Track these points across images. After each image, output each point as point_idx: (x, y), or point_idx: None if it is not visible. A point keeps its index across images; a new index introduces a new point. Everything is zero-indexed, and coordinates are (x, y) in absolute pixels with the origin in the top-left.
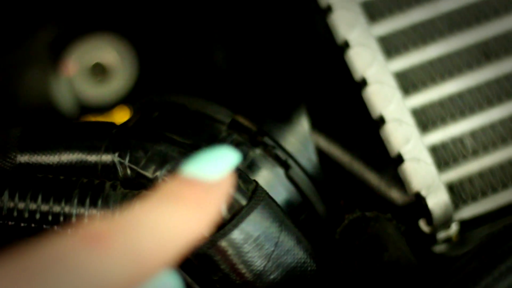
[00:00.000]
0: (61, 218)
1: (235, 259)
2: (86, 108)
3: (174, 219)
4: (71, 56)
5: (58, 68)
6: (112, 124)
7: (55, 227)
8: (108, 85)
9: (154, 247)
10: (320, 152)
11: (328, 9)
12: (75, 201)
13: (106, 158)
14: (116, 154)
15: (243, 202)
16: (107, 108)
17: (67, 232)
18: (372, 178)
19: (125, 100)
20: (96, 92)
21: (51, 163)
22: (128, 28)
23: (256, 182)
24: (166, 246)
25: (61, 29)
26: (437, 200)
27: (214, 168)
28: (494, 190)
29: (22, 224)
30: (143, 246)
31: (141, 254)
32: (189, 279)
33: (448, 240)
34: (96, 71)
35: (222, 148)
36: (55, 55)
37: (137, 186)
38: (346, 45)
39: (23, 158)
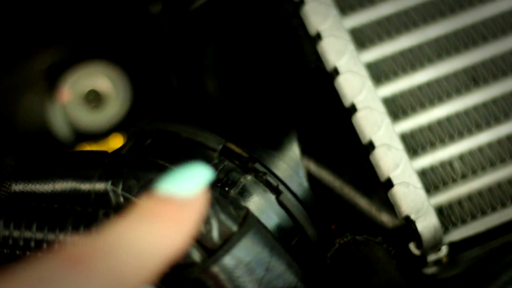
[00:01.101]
0: (56, 246)
1: (226, 284)
2: (80, 134)
3: (150, 237)
4: (65, 84)
5: (53, 95)
6: (105, 153)
7: None
8: (102, 112)
9: (133, 264)
10: (311, 177)
11: (318, 37)
12: (69, 229)
13: (100, 186)
14: (109, 183)
15: (234, 228)
16: (101, 135)
17: (49, 255)
18: (362, 202)
19: (119, 127)
20: (90, 119)
21: (45, 191)
22: (122, 56)
23: (247, 208)
24: (144, 263)
25: (56, 56)
26: (427, 223)
27: (188, 185)
28: (483, 212)
29: (17, 252)
30: (123, 264)
31: (121, 272)
32: None
33: (438, 262)
34: (90, 98)
35: (195, 165)
36: (50, 82)
37: None
38: (335, 72)
39: (18, 187)
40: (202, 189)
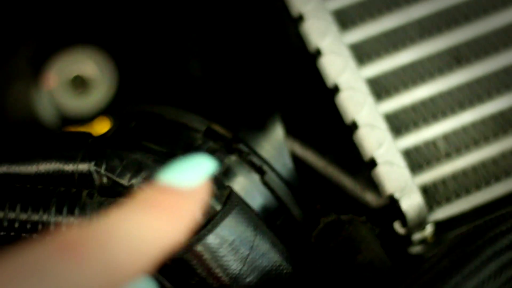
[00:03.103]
0: (40, 227)
1: (211, 263)
2: (67, 120)
3: (148, 227)
4: (51, 69)
5: (39, 81)
6: (88, 134)
7: (34, 235)
8: (89, 97)
9: (128, 254)
10: (295, 158)
11: (300, 18)
12: (53, 209)
13: (83, 167)
14: (93, 163)
15: (218, 207)
16: (88, 119)
17: (41, 240)
18: (346, 182)
19: (105, 111)
20: (77, 104)
21: (29, 173)
22: (107, 41)
23: (231, 188)
24: (140, 253)
25: (41, 43)
26: (411, 202)
27: (189, 175)
28: (468, 191)
29: (1, 233)
30: (117, 253)
31: (115, 262)
32: (167, 284)
33: (423, 241)
34: (76, 84)
35: (198, 156)
36: (36, 68)
37: (113, 194)
38: (318, 53)
39: (1, 169)
40: (204, 180)
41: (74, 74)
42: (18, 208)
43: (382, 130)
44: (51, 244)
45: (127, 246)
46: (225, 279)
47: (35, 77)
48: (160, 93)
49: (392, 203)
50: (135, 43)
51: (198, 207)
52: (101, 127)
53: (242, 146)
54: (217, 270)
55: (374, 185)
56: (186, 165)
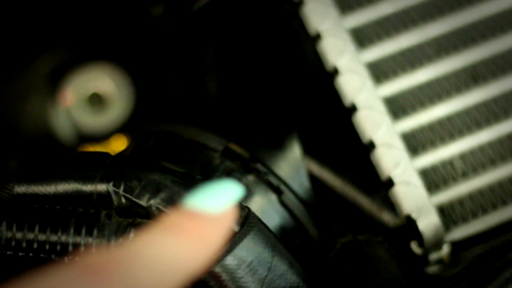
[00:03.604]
0: (58, 247)
1: (229, 284)
2: (84, 137)
3: (174, 252)
4: (68, 86)
5: (56, 99)
6: (106, 154)
7: (52, 256)
8: (106, 115)
9: (152, 280)
10: (312, 177)
11: (318, 37)
12: (72, 230)
13: (101, 187)
14: (111, 184)
15: (236, 228)
16: (104, 137)
17: (66, 262)
18: (363, 202)
19: (122, 129)
20: (94, 121)
21: (47, 193)
22: (124, 58)
23: (248, 208)
24: (165, 278)
25: (58, 59)
26: (428, 222)
27: (216, 201)
28: (484, 211)
29: (20, 254)
30: (142, 279)
31: (140, 286)
32: None
33: (440, 261)
34: (93, 101)
35: (225, 180)
36: (53, 85)
37: (132, 215)
38: (335, 72)
39: (20, 189)
40: (231, 206)
41: (92, 91)
42: (36, 229)
43: (399, 149)
44: (77, 267)
45: (152, 271)
46: None
47: (52, 93)
48: (177, 111)
49: (409, 223)
50: (152, 60)
51: (223, 233)
52: (118, 145)
53: (259, 166)
54: None
55: (391, 205)
56: (213, 190)
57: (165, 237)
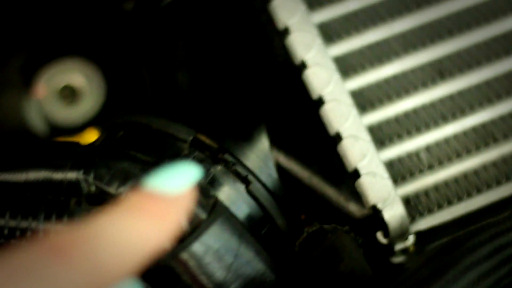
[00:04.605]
0: (29, 234)
1: (196, 271)
2: (56, 129)
3: (134, 231)
4: (41, 80)
5: (28, 92)
6: (77, 144)
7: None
8: (77, 107)
9: (114, 258)
10: (280, 168)
11: (286, 31)
12: (42, 217)
13: (71, 175)
14: (81, 172)
15: (203, 216)
16: (76, 129)
17: (30, 242)
18: (330, 192)
19: (94, 121)
20: (66, 114)
21: (18, 181)
22: (95, 52)
23: (216, 197)
24: (126, 256)
25: (31, 53)
26: (393, 212)
27: (175, 182)
28: (450, 202)
29: None
30: (104, 256)
31: (102, 265)
32: None
33: (405, 251)
34: (65, 94)
35: (183, 163)
36: (26, 79)
37: (101, 202)
38: (303, 65)
39: None
40: (189, 187)
41: (63, 84)
42: (7, 215)
43: (366, 141)
44: (40, 247)
45: (113, 249)
46: (209, 286)
47: (25, 87)
48: (147, 103)
49: (375, 214)
50: (123, 54)
51: (183, 213)
52: (90, 137)
53: (227, 156)
54: (202, 277)
55: (357, 196)
56: (172, 172)
57: (125, 217)
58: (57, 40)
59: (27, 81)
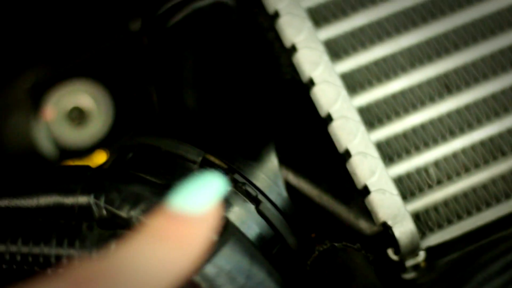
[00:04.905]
0: (41, 259)
1: None
2: (65, 151)
3: (158, 259)
4: (49, 102)
5: (37, 114)
6: (87, 167)
7: (35, 268)
8: (86, 129)
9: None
10: (290, 187)
11: (293, 49)
12: (54, 242)
13: (82, 200)
14: (92, 196)
15: (215, 237)
16: (85, 151)
17: (54, 275)
18: (340, 210)
19: (102, 143)
20: (74, 135)
21: (29, 206)
22: (103, 73)
23: (227, 218)
24: (150, 286)
25: (39, 75)
26: (404, 229)
27: (199, 199)
28: (459, 217)
29: (3, 266)
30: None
31: None
32: None
33: (416, 267)
34: (73, 116)
35: (208, 176)
36: (34, 100)
37: (112, 226)
38: (311, 83)
39: (3, 203)
40: (215, 202)
41: (72, 106)
42: (19, 242)
43: (375, 158)
44: (64, 279)
45: (136, 280)
46: None
47: (33, 109)
48: (155, 124)
49: (385, 231)
50: (130, 75)
51: (208, 233)
52: (99, 159)
53: (237, 176)
54: None
55: (367, 213)
56: (195, 188)
57: (148, 245)
58: (65, 61)
59: (35, 103)
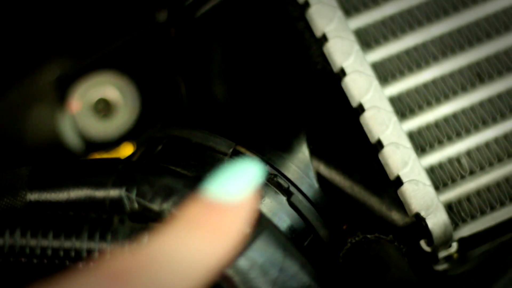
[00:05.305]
0: (72, 253)
1: (241, 286)
2: (91, 144)
3: (192, 250)
4: (74, 94)
5: (62, 106)
6: (118, 160)
7: (67, 262)
8: (112, 121)
9: (176, 278)
10: (321, 178)
11: (323, 38)
12: (85, 236)
13: (114, 193)
14: (123, 189)
15: (247, 230)
16: (112, 144)
17: (88, 268)
18: (372, 201)
19: (129, 135)
20: (100, 128)
21: (60, 200)
22: (129, 65)
23: (259, 210)
24: (187, 277)
25: (64, 67)
26: (437, 220)
27: (234, 187)
28: (492, 207)
29: (34, 261)
30: (165, 278)
31: (164, 286)
32: None
33: (449, 258)
34: (99, 108)
35: (244, 161)
36: (60, 93)
37: (144, 220)
38: (342, 73)
39: (33, 196)
40: (252, 189)
41: (97, 98)
42: (50, 235)
43: (407, 148)
44: (100, 272)
45: (172, 271)
46: None
47: (59, 101)
48: (183, 115)
49: (418, 222)
50: (157, 66)
51: (242, 224)
52: (125, 151)
53: (268, 168)
54: None
55: (400, 204)
56: (230, 176)
57: (183, 235)
58: (91, 53)
59: (61, 96)
